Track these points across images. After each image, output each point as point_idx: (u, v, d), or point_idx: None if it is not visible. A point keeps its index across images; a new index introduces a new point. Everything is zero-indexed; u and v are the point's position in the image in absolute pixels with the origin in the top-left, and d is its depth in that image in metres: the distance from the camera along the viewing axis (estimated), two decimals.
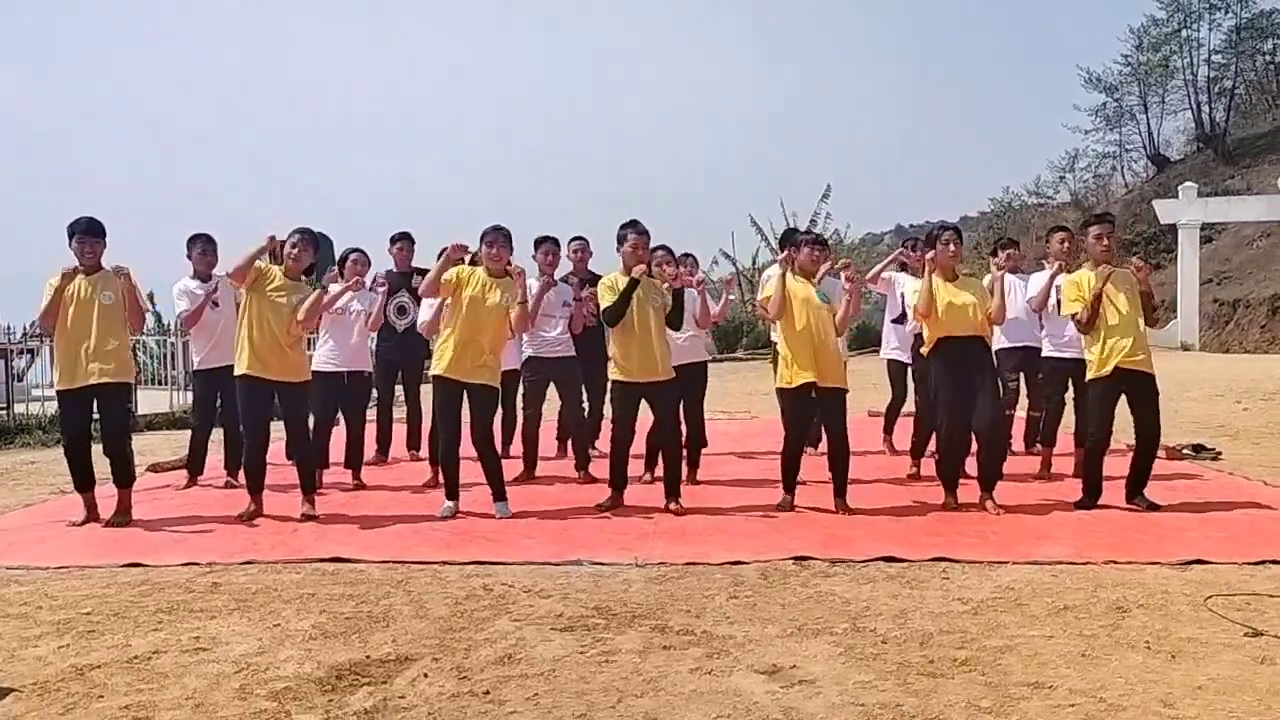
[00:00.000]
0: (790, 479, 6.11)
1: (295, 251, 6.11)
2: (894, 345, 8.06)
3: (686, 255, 7.40)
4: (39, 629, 3.99)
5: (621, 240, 6.22)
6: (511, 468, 6.91)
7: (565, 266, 7.78)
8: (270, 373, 6.03)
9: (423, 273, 8.12)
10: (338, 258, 8.04)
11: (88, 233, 5.98)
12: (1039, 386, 7.45)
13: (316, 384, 6.72)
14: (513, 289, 6.04)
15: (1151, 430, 5.90)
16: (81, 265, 5.99)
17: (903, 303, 7.11)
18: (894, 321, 8.01)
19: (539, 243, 7.44)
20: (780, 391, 6.21)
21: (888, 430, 8.35)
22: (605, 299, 6.15)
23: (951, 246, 6.01)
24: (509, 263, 6.10)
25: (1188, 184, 25.51)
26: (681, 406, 6.65)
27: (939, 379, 6.03)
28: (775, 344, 6.99)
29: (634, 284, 6.02)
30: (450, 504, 6.07)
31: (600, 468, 7.49)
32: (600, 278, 6.68)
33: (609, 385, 6.23)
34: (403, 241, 8.24)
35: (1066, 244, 7.07)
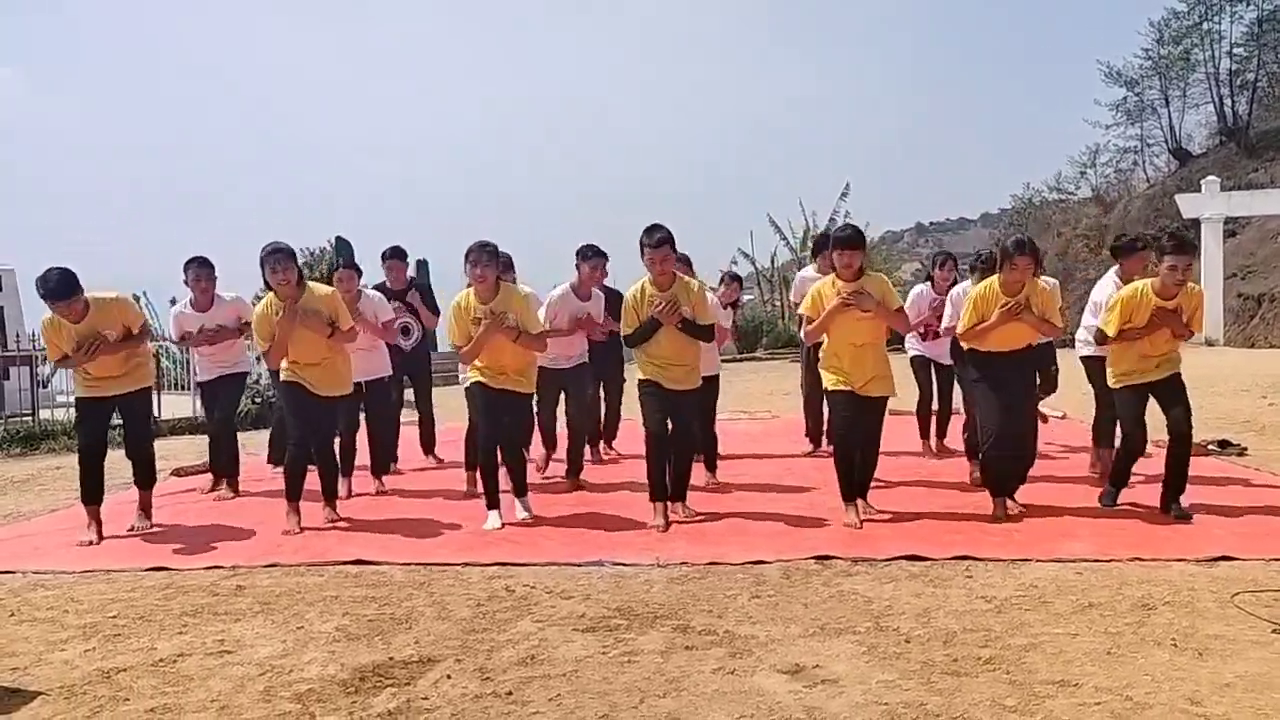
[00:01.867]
0: (845, 485, 5.70)
1: (279, 277, 5.87)
2: (912, 338, 7.95)
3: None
4: (65, 633, 4.04)
5: (641, 250, 5.76)
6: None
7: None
8: (304, 385, 5.99)
9: (418, 287, 8.18)
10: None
11: (58, 297, 5.55)
12: (1050, 380, 7.37)
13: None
14: (509, 302, 5.81)
15: (1182, 427, 5.60)
16: (70, 323, 5.68)
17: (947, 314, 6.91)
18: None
19: (584, 254, 6.95)
20: (826, 390, 6.03)
21: (924, 434, 8.06)
22: (627, 321, 5.82)
23: (1019, 271, 5.53)
24: (497, 281, 5.85)
25: (1210, 178, 25.27)
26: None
27: (979, 394, 5.86)
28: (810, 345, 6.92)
29: (656, 325, 5.69)
30: (495, 514, 5.85)
31: (600, 472, 7.49)
32: (616, 293, 6.52)
33: (638, 382, 5.89)
34: (393, 260, 7.92)
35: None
